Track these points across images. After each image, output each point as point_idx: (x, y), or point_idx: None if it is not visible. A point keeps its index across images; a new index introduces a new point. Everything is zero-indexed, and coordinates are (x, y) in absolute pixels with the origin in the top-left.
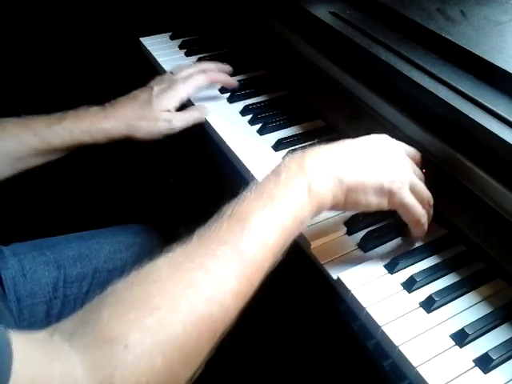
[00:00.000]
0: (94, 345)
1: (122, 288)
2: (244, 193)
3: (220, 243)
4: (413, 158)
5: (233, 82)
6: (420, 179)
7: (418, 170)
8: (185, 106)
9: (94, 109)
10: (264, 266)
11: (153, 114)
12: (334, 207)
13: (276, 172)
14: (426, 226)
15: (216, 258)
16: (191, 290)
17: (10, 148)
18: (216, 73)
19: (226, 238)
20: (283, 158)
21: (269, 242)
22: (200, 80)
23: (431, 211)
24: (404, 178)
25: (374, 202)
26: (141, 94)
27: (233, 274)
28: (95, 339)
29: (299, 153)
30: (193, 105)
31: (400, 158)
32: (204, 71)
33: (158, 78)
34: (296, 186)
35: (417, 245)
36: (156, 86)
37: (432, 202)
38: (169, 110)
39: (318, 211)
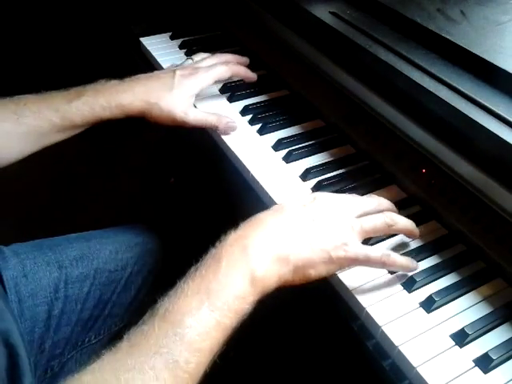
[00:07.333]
0: None
1: None
2: (181, 283)
3: (150, 353)
4: (365, 206)
5: (253, 75)
6: (370, 211)
7: (366, 204)
8: None
9: (113, 82)
10: (200, 370)
11: (172, 98)
12: (281, 286)
13: (216, 258)
14: (396, 257)
15: (144, 372)
16: None
17: (32, 125)
18: (237, 66)
19: (156, 346)
20: (226, 236)
21: (205, 345)
22: (222, 71)
23: (399, 224)
24: (348, 234)
25: (324, 271)
26: (163, 76)
27: None
28: None
29: (241, 231)
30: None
31: (340, 215)
32: (226, 63)
33: (180, 65)
34: (238, 276)
35: (417, 245)
36: (179, 71)
37: (391, 221)
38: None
39: (262, 296)
